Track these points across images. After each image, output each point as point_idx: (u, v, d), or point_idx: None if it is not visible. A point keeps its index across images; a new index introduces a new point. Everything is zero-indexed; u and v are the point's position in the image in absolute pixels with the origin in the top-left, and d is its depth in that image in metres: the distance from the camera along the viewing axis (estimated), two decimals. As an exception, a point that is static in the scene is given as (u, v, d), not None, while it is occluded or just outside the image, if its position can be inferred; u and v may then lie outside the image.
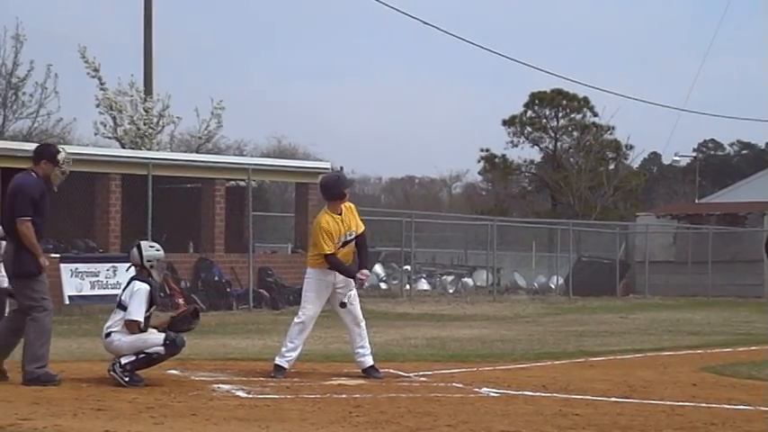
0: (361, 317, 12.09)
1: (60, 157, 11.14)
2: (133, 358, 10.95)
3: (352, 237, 11.94)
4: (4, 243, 22.72)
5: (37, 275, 10.99)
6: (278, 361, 11.91)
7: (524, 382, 11.73)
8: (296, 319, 12.02)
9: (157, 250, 11.45)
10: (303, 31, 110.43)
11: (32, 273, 10.99)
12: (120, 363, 10.94)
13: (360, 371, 12.00)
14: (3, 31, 37.40)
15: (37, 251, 10.95)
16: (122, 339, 11.04)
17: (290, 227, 30.56)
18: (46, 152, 11.22)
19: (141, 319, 11.08)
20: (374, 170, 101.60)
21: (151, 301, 11.20)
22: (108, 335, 11.14)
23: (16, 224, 10.91)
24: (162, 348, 11.03)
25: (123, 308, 11.14)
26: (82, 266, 22.20)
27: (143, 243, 11.59)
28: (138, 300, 11.08)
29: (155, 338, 11.08)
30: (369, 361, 12.02)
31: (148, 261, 11.36)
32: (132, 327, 11.06)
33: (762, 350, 15.67)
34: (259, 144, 60.87)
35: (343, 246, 11.89)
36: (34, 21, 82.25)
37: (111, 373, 10.95)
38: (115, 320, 11.16)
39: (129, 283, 11.31)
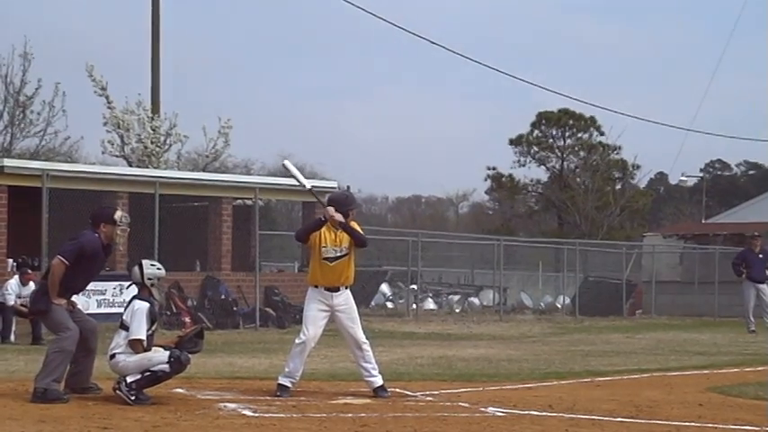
0: (364, 338, 12.03)
1: (117, 216, 11.61)
2: (139, 377, 10.97)
3: (344, 253, 11.91)
4: (10, 261, 22.92)
5: (47, 312, 11.35)
6: (281, 381, 11.90)
7: (531, 402, 11.70)
8: (296, 340, 11.99)
9: (159, 269, 11.50)
10: (311, 49, 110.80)
11: (41, 311, 11.49)
12: (125, 381, 10.95)
13: (370, 390, 11.98)
14: (11, 49, 37.49)
15: (53, 293, 11.30)
16: (128, 360, 11.06)
17: (297, 246, 30.49)
18: (103, 215, 11.73)
19: (144, 338, 11.10)
20: (381, 189, 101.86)
21: (152, 319, 11.24)
22: (113, 356, 11.17)
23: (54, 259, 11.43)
24: (167, 366, 11.04)
25: (125, 328, 11.17)
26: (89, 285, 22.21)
27: (144, 261, 11.63)
28: (138, 319, 11.11)
29: (159, 356, 11.09)
30: (377, 381, 12.00)
31: (149, 279, 11.39)
32: (136, 346, 11.08)
33: (769, 371, 15.61)
34: (266, 163, 60.91)
35: (332, 261, 11.89)
36: (42, 39, 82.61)
37: (117, 391, 10.96)
38: (119, 341, 11.19)
39: (129, 303, 11.36)
